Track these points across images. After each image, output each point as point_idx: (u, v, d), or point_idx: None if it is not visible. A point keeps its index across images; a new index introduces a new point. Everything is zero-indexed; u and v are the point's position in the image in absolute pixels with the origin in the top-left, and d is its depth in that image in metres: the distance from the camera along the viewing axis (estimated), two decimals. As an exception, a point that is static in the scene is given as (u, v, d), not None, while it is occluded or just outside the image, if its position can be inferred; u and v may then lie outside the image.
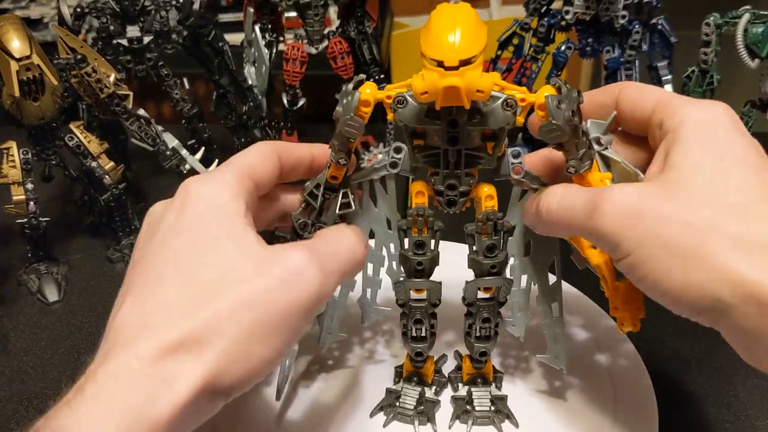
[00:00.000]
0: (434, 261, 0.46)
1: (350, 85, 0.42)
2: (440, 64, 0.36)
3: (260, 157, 0.43)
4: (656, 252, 0.35)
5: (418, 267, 0.46)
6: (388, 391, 0.50)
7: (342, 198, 0.45)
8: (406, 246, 0.46)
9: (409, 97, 0.41)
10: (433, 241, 0.45)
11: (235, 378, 0.35)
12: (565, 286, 0.60)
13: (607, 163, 0.44)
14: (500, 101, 0.41)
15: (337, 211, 0.45)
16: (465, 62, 0.36)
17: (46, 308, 0.67)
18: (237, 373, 0.35)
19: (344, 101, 0.42)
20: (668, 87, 0.71)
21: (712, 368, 0.54)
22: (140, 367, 0.33)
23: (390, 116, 0.42)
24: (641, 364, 0.52)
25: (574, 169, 0.42)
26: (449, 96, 0.37)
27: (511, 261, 0.47)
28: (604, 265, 0.44)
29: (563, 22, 0.71)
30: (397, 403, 0.49)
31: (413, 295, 0.47)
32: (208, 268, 0.36)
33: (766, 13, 0.64)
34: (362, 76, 0.44)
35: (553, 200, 0.41)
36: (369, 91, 0.41)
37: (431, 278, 0.46)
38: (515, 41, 0.74)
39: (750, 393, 0.51)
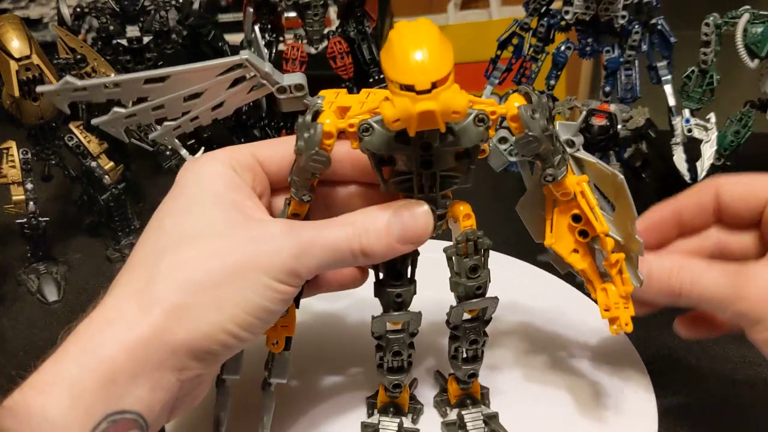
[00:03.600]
0: (413, 291, 0.43)
1: (308, 117, 0.40)
2: (411, 88, 0.33)
3: (259, 145, 0.45)
4: None
5: (397, 299, 0.43)
6: (364, 426, 0.47)
7: None
8: (381, 276, 0.43)
9: (374, 124, 0.38)
10: (410, 269, 0.43)
11: (189, 331, 0.36)
12: (564, 285, 0.61)
13: (580, 164, 0.43)
14: (471, 117, 0.38)
15: None
16: (437, 83, 0.33)
17: (45, 308, 0.66)
18: (188, 326, 0.36)
19: (305, 135, 0.39)
20: (668, 87, 0.71)
21: (713, 368, 0.54)
22: (96, 316, 0.38)
23: (354, 145, 0.39)
24: (640, 361, 0.53)
25: (551, 177, 0.40)
26: (424, 121, 0.34)
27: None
28: (589, 268, 0.43)
29: (563, 23, 0.71)
30: None
31: (390, 326, 0.43)
32: (182, 227, 0.39)
33: (765, 13, 0.64)
34: (318, 103, 0.41)
35: (686, 279, 0.43)
36: (330, 122, 0.39)
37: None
38: (515, 41, 0.74)
39: (751, 395, 0.51)
